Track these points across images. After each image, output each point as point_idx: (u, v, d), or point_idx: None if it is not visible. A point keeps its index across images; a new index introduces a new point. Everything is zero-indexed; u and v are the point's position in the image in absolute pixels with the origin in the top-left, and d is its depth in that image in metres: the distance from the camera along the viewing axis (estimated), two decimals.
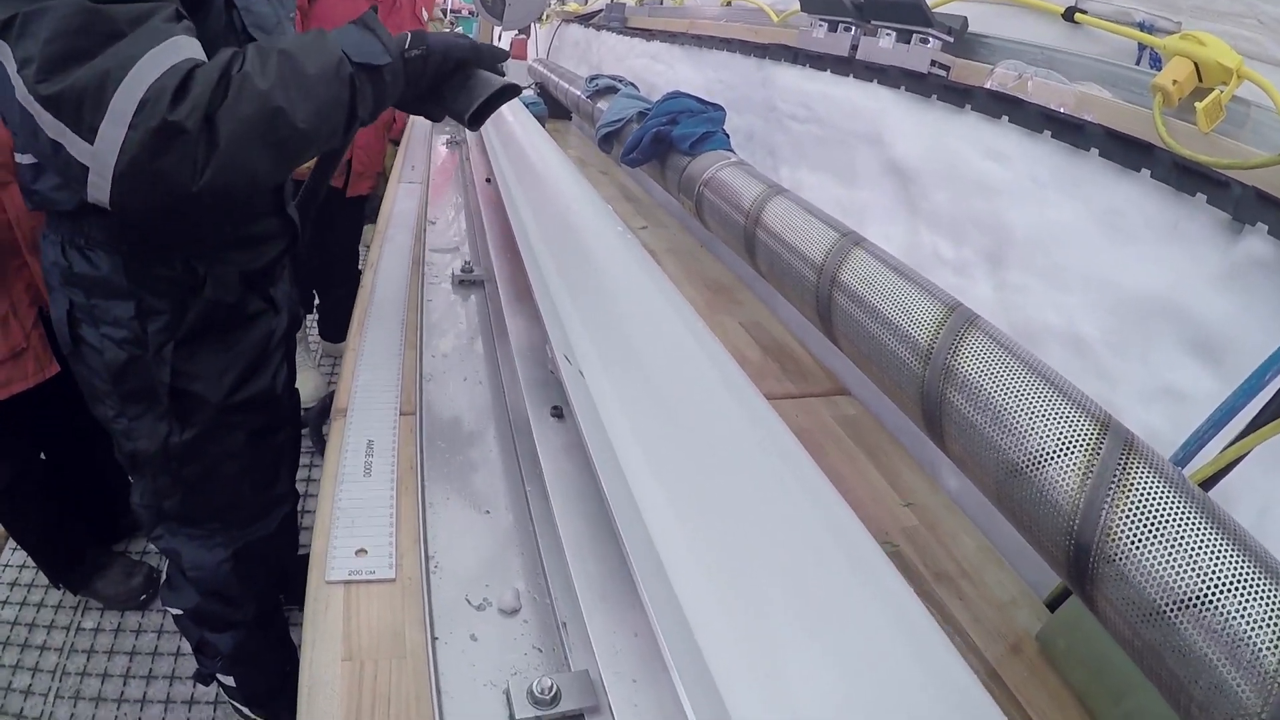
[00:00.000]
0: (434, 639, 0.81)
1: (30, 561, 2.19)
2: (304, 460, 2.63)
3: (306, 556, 0.94)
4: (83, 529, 2.14)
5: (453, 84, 1.17)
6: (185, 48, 0.87)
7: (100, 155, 0.83)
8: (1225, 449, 0.88)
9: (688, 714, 0.52)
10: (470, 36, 1.12)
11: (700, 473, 0.71)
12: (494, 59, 1.19)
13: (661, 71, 2.82)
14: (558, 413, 1.01)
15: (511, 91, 1.17)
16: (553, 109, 3.61)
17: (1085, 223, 1.24)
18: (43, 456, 2.00)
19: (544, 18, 4.90)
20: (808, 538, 0.66)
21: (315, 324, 3.53)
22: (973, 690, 0.55)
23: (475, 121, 1.18)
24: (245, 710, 1.77)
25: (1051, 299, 1.26)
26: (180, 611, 1.56)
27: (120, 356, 1.19)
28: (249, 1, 1.13)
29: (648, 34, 3.13)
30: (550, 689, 0.72)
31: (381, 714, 0.75)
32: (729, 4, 2.61)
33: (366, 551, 0.92)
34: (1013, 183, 1.36)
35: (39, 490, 1.95)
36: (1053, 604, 1.09)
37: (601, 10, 3.77)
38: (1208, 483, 0.89)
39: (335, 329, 3.37)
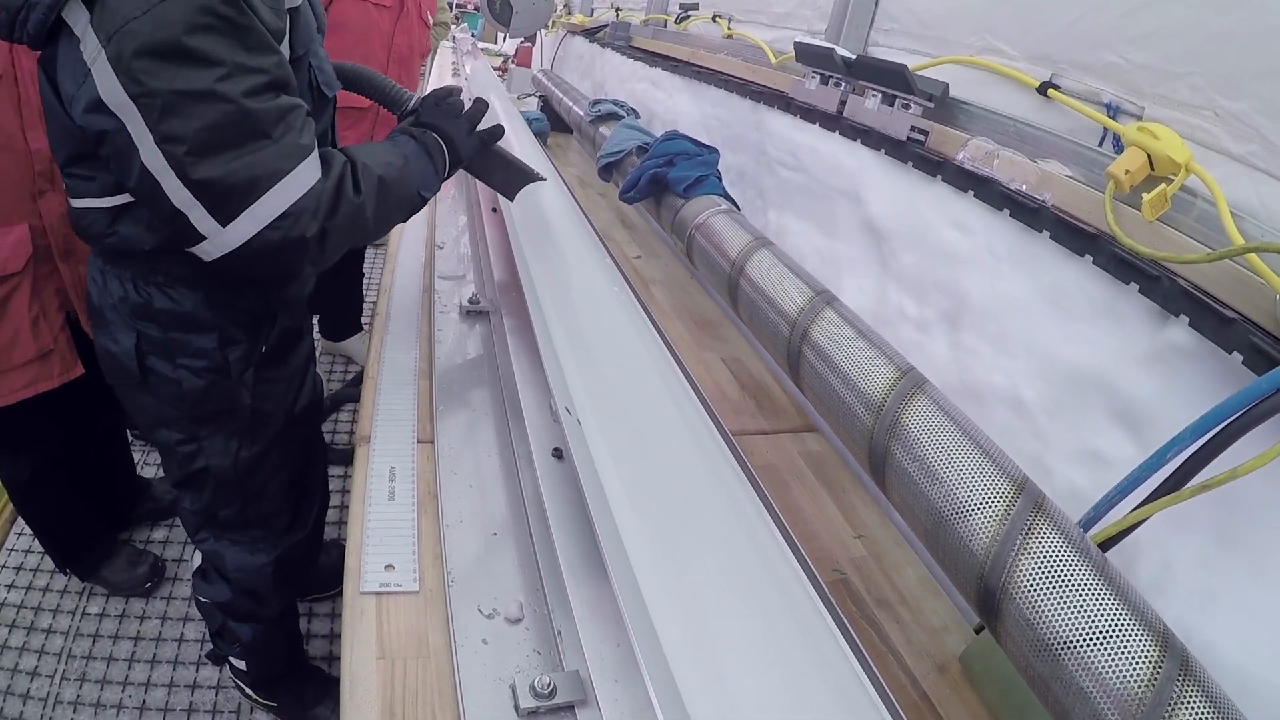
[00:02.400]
0: (455, 644, 1.02)
1: (36, 547, 2.30)
2: None
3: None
4: (94, 518, 2.27)
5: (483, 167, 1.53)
6: (316, 165, 1.07)
7: (226, 235, 1.02)
8: (1127, 515, 1.06)
9: (655, 707, 0.71)
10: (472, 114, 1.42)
11: (668, 509, 0.92)
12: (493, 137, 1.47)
13: (661, 100, 3.00)
14: (558, 454, 1.22)
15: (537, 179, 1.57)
16: (555, 123, 3.79)
17: (1033, 296, 1.43)
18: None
19: (550, 25, 5.07)
20: (749, 569, 0.85)
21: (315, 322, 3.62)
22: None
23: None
24: (249, 692, 1.92)
25: (998, 363, 1.46)
26: (209, 600, 1.68)
27: (199, 385, 1.29)
28: (321, 63, 1.28)
29: (650, 58, 3.31)
30: (548, 685, 0.93)
31: (411, 705, 0.96)
32: (730, 36, 2.80)
33: (394, 567, 1.13)
34: (973, 253, 1.55)
35: (57, 481, 2.08)
36: (979, 631, 1.27)
37: (607, 26, 3.95)
38: (1110, 541, 1.08)
39: (335, 328, 3.47)
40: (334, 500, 2.36)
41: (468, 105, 1.42)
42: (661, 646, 0.74)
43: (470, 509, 1.24)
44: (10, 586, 2.24)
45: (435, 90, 1.41)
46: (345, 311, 3.43)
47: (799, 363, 1.38)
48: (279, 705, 1.93)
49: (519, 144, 1.99)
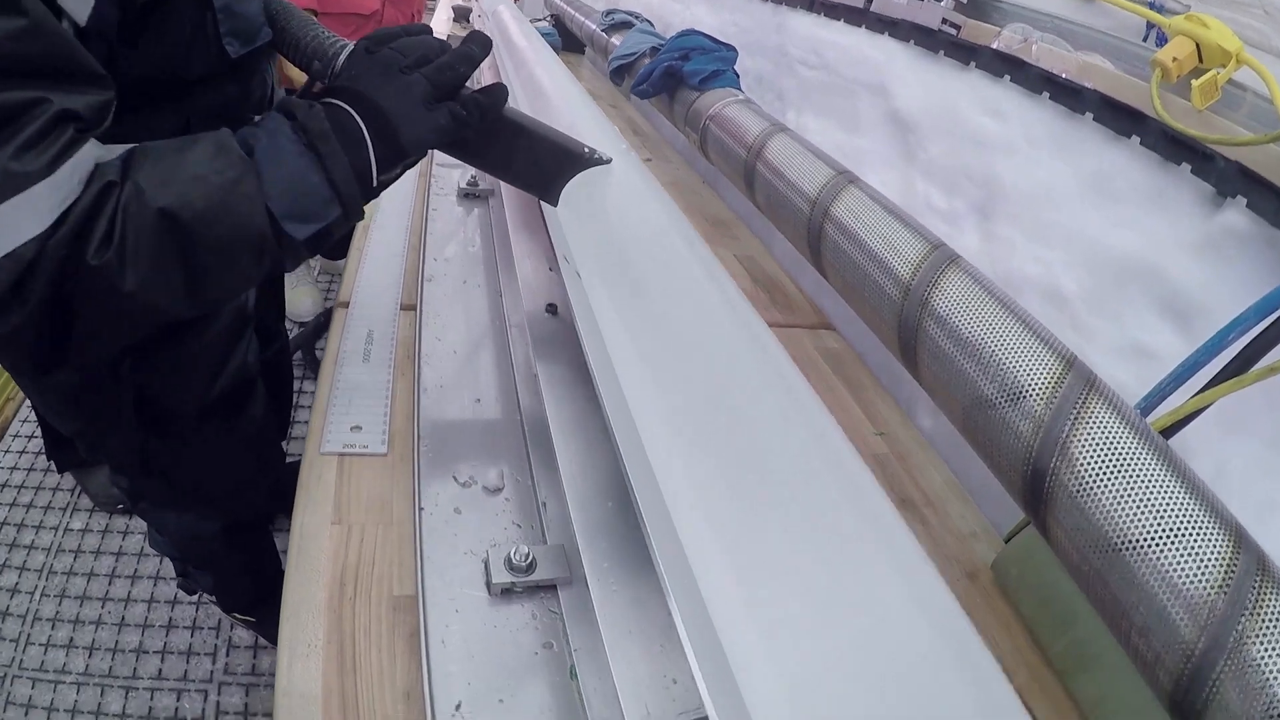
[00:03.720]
0: (420, 509, 0.85)
1: (21, 464, 2.18)
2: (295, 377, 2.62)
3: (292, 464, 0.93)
4: None
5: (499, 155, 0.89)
6: (33, 211, 0.57)
7: None
8: (1187, 401, 0.90)
9: (666, 586, 0.54)
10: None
11: (687, 367, 0.73)
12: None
13: (678, 11, 2.80)
14: (552, 309, 1.04)
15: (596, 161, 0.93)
16: (567, 41, 3.57)
17: (1073, 182, 1.26)
18: None
19: None
20: (790, 441, 0.68)
21: None
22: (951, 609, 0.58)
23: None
24: (227, 614, 1.78)
25: (1035, 252, 1.29)
26: (162, 552, 1.54)
27: (71, 379, 0.99)
28: (230, 2, 0.84)
29: None
30: (527, 557, 0.77)
31: (365, 573, 0.80)
32: None
33: (361, 428, 0.96)
34: (1008, 139, 1.37)
35: None
36: (1010, 540, 1.12)
37: None
38: (1166, 432, 0.91)
39: (335, 245, 3.26)
40: None
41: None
42: (671, 515, 0.56)
43: (453, 374, 1.07)
44: None
45: (376, 31, 0.78)
46: None
47: (820, 243, 1.20)
48: (257, 620, 1.76)
49: (549, 83, 1.49)
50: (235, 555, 1.47)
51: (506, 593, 0.78)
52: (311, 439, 0.94)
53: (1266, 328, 0.85)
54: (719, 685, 0.47)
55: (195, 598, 1.88)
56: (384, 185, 0.75)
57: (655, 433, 0.63)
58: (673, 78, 1.91)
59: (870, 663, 0.49)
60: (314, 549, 0.81)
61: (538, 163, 0.89)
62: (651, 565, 0.55)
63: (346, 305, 1.21)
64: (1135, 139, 1.18)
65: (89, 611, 1.83)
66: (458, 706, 0.69)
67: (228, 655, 1.78)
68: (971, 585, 1.05)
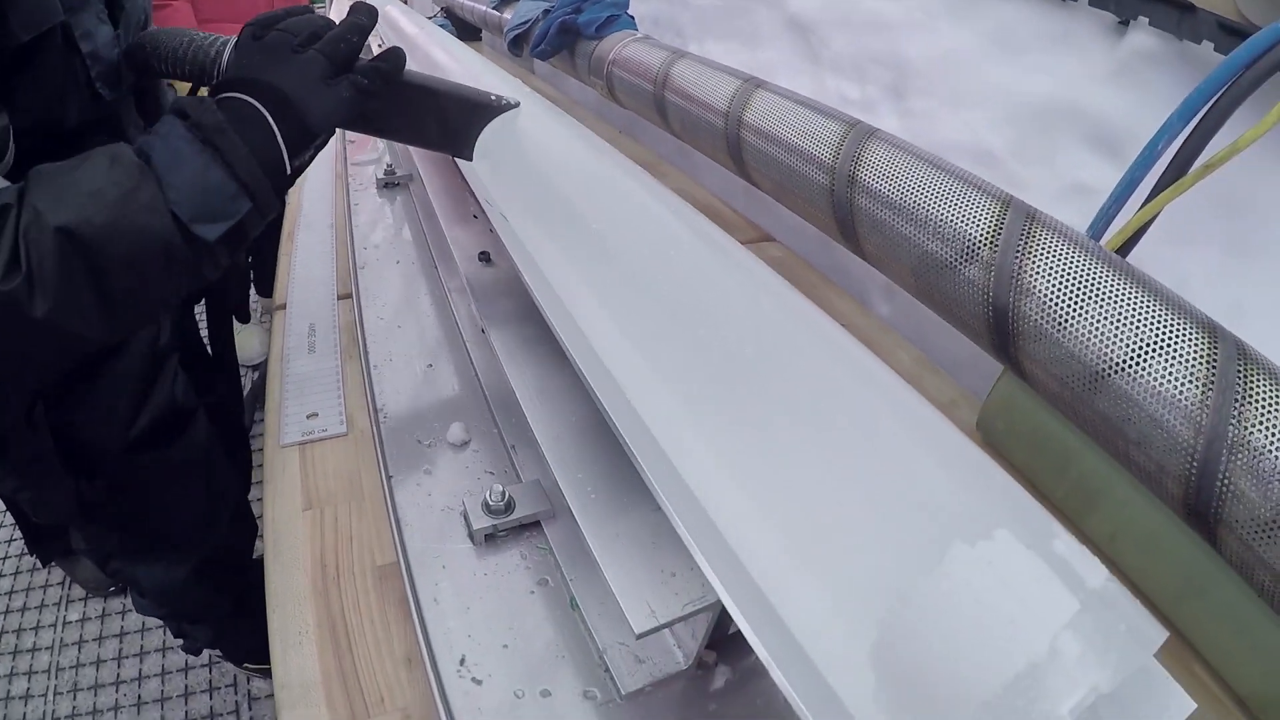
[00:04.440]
0: (389, 478, 0.81)
1: (5, 568, 2.11)
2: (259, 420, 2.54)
3: None
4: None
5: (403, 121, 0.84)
6: None
7: None
8: (1133, 216, 0.88)
9: (656, 491, 0.49)
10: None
11: (640, 276, 0.68)
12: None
13: None
14: (485, 257, 1.00)
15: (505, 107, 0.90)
16: (462, 32, 3.49)
17: (978, 42, 1.23)
18: None
19: None
20: (737, 305, 0.65)
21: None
22: (943, 427, 0.55)
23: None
24: (236, 666, 1.71)
25: (956, 118, 1.27)
26: (152, 614, 1.47)
27: None
28: (98, 48, 0.80)
29: None
30: (503, 495, 0.73)
31: (345, 551, 0.76)
32: None
33: (318, 414, 0.92)
34: (906, 16, 1.34)
35: None
36: (991, 395, 1.10)
37: None
38: (1120, 251, 0.89)
39: (271, 283, 3.09)
40: None
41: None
42: (645, 421, 0.53)
43: (399, 347, 1.04)
44: None
45: (258, 16, 0.72)
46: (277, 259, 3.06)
47: (741, 151, 1.17)
48: (270, 664, 1.66)
49: (431, 44, 1.57)
50: (221, 599, 1.40)
51: (490, 538, 0.74)
52: (270, 436, 0.90)
53: (1194, 128, 0.83)
54: (720, 560, 0.44)
55: (204, 658, 1.82)
56: (298, 171, 0.70)
57: (610, 341, 0.60)
58: (569, 32, 1.86)
59: (867, 497, 0.46)
60: (289, 539, 0.77)
61: (446, 120, 0.85)
62: (626, 470, 0.52)
63: (284, 307, 1.16)
64: None
65: (105, 699, 1.78)
66: (461, 661, 0.66)
67: (250, 709, 1.74)
68: None
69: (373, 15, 0.74)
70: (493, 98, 0.88)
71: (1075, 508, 0.90)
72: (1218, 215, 0.94)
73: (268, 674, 1.57)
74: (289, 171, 0.68)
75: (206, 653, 1.79)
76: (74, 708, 1.76)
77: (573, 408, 0.73)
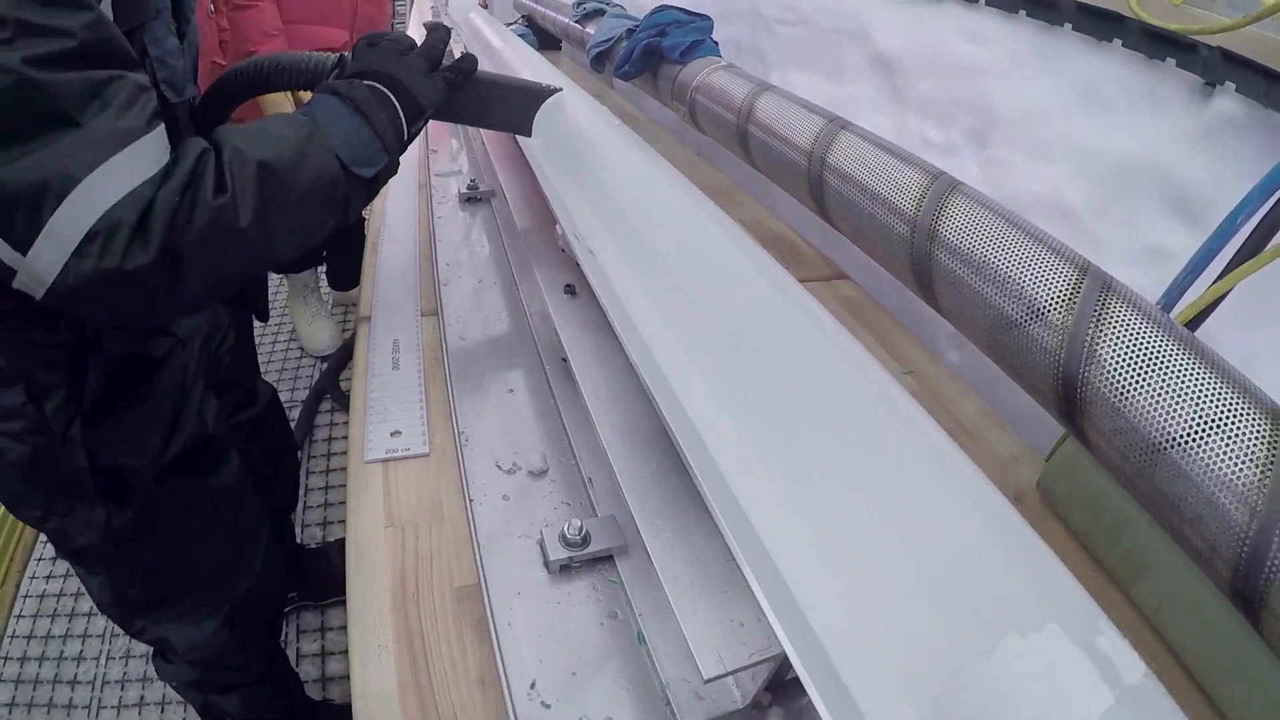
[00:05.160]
0: (470, 500, 0.85)
1: (36, 630, 1.99)
2: (324, 410, 2.60)
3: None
4: None
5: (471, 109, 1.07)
6: (143, 159, 0.69)
7: (33, 268, 0.67)
8: (1205, 290, 0.88)
9: (728, 538, 0.54)
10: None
11: (714, 320, 0.73)
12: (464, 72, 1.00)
13: None
14: (570, 290, 1.04)
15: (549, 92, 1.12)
16: (543, 40, 3.55)
17: (1063, 95, 1.24)
18: None
19: None
20: (824, 374, 0.68)
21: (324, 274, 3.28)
22: (1004, 510, 0.57)
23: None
24: None
25: (1036, 170, 1.27)
26: (178, 683, 1.40)
27: (25, 451, 0.95)
28: (165, 54, 0.90)
29: None
30: (580, 529, 0.76)
31: (425, 571, 0.80)
32: None
33: (401, 433, 0.96)
34: (994, 63, 1.35)
35: None
36: (1052, 457, 1.10)
37: None
38: (1189, 325, 0.89)
39: (343, 277, 3.16)
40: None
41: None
42: (719, 467, 0.56)
43: (482, 370, 1.08)
44: (49, 577, 2.07)
45: (367, 35, 0.95)
46: (353, 253, 2.93)
47: (823, 192, 1.19)
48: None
49: (514, 58, 1.74)
50: (253, 661, 1.39)
51: (565, 569, 0.77)
52: (354, 451, 0.94)
53: (1273, 206, 0.84)
54: (789, 618, 0.47)
55: None
56: (411, 138, 0.92)
57: (695, 396, 0.63)
58: (653, 55, 1.89)
59: (928, 572, 0.48)
60: (371, 554, 0.81)
61: (510, 105, 1.10)
62: (702, 519, 0.55)
63: (368, 319, 1.21)
64: (1117, 42, 1.17)
65: (154, 669, 1.76)
66: (532, 685, 0.69)
67: None
68: (1019, 508, 1.02)
69: (448, 31, 0.99)
70: (544, 85, 1.12)
71: (1125, 576, 0.91)
72: None
73: None
74: (406, 138, 0.90)
75: None
76: (125, 673, 1.81)
77: (653, 454, 0.76)
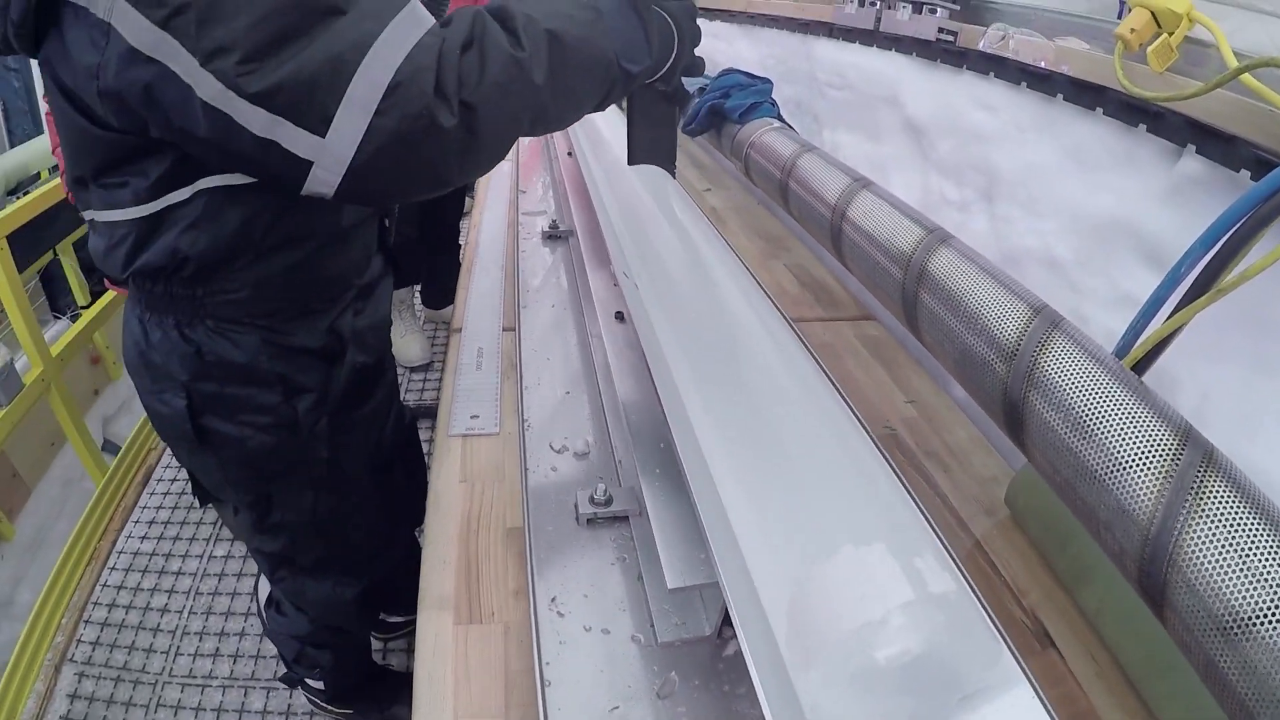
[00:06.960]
0: (526, 470, 1.09)
1: (166, 503, 2.39)
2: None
3: None
4: None
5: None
6: (419, 20, 0.72)
7: (331, 148, 0.70)
8: (1155, 330, 0.98)
9: (700, 516, 0.73)
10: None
11: (717, 353, 0.96)
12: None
13: (722, 49, 3.00)
14: (620, 317, 1.29)
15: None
16: None
17: (1056, 158, 1.40)
18: None
19: None
20: (799, 410, 0.88)
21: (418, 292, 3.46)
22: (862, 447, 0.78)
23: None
24: (326, 706, 1.73)
25: (1031, 226, 1.43)
26: (284, 633, 1.51)
27: (267, 442, 1.04)
28: None
29: (709, 13, 3.30)
30: (604, 493, 1.00)
31: (486, 514, 1.06)
32: None
33: (479, 416, 1.23)
34: (1000, 129, 1.53)
35: None
36: (1017, 474, 1.20)
37: None
38: (1145, 359, 0.99)
39: (437, 296, 3.39)
40: None
41: None
42: (710, 471, 0.77)
43: (547, 375, 1.34)
44: (144, 538, 2.30)
45: None
46: (446, 277, 3.14)
47: (840, 241, 1.38)
48: (354, 711, 1.73)
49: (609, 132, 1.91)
50: (359, 627, 1.54)
51: (590, 521, 1.01)
52: (441, 428, 1.22)
53: (1214, 255, 0.93)
54: (724, 545, 0.69)
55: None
56: (663, 73, 0.96)
57: (691, 392, 0.86)
58: (717, 114, 2.13)
59: (807, 504, 0.72)
60: (448, 499, 1.08)
61: (654, 140, 1.17)
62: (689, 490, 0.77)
63: (460, 330, 1.48)
64: (1099, 110, 1.29)
65: (233, 625, 1.99)
66: (553, 599, 0.92)
67: None
68: (990, 520, 1.17)
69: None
70: (673, 155, 1.22)
71: (1071, 581, 1.02)
72: (1249, 330, 1.04)
73: (348, 717, 1.75)
74: (670, 61, 0.95)
75: None
76: (204, 626, 1.99)
77: (666, 454, 0.98)
